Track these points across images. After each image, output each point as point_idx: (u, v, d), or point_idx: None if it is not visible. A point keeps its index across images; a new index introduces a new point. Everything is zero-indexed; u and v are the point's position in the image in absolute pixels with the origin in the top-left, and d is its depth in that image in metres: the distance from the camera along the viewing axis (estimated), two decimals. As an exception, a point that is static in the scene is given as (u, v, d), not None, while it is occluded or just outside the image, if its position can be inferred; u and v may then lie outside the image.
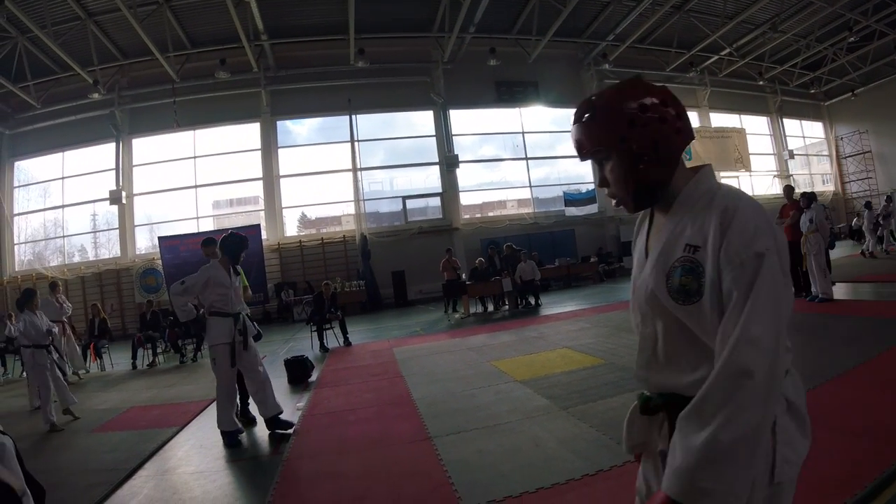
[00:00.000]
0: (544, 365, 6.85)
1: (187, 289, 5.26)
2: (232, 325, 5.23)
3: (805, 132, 31.02)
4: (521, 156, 23.07)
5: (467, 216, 22.04)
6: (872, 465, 2.96)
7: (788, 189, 10.55)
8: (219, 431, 5.17)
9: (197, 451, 5.04)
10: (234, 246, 5.45)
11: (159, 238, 18.79)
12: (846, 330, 6.71)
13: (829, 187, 29.80)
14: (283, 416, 5.35)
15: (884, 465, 2.93)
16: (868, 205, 17.01)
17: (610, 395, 5.15)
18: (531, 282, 14.24)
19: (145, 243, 20.57)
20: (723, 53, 23.82)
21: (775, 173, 28.95)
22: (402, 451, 4.38)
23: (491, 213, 23.01)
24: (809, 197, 9.37)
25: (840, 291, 9.62)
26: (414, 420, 5.14)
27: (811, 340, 6.32)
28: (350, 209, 20.84)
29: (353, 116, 20.65)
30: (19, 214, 20.75)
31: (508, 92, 22.31)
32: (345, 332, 10.98)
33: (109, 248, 20.92)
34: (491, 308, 14.77)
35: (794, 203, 9.76)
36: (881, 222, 16.60)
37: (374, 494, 3.57)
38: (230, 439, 5.06)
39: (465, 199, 22.17)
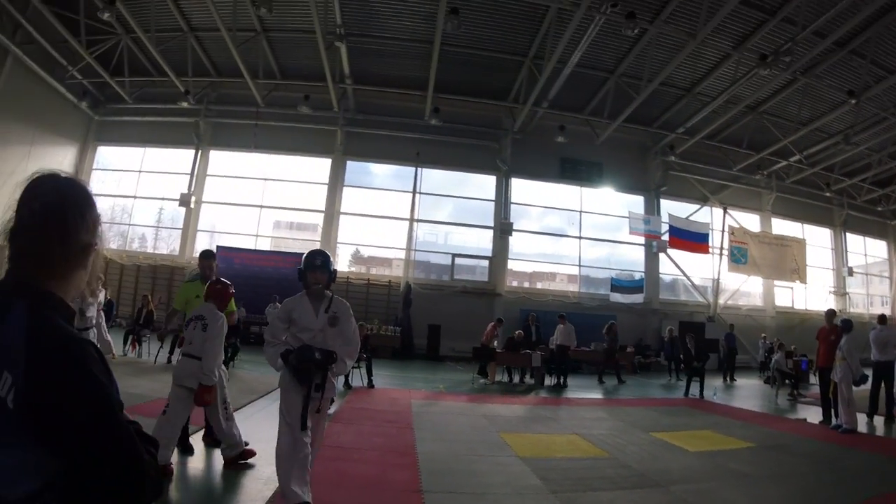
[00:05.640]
0: (549, 447, 6.91)
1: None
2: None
3: (868, 250, 29.82)
4: (576, 234, 23.26)
5: (514, 283, 22.23)
6: None
7: (830, 312, 10.15)
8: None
9: (200, 452, 5.47)
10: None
11: (218, 247, 19.63)
12: (859, 465, 6.56)
13: (887, 310, 28.29)
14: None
15: None
16: None
17: (603, 488, 5.13)
18: (565, 348, 14.12)
19: (203, 248, 21.46)
20: (792, 159, 23.51)
21: (832, 289, 27.90)
22: (392, 497, 4.60)
23: (538, 285, 23.13)
24: (845, 323, 9.18)
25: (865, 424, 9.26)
26: (412, 471, 5.31)
27: (821, 473, 6.22)
28: (401, 255, 21.45)
29: (419, 169, 21.49)
30: (95, 195, 22.07)
31: (573, 169, 22.65)
32: (370, 374, 11.20)
33: (169, 245, 22.32)
34: (517, 380, 14.59)
35: (834, 328, 9.52)
36: None
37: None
38: None
39: (513, 265, 22.42)
